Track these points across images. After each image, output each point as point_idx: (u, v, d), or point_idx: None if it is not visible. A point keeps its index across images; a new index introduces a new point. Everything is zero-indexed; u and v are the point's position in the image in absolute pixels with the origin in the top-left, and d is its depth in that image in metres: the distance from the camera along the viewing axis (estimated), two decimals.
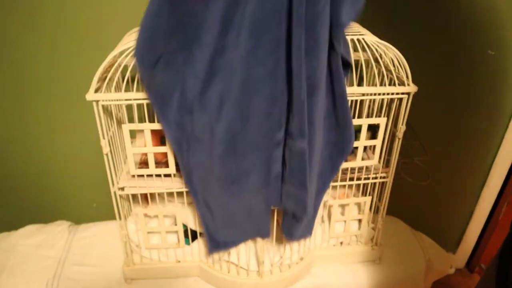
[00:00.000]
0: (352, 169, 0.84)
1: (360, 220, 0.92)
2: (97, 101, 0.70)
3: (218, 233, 0.80)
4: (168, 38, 0.62)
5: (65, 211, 1.17)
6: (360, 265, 0.95)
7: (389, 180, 0.85)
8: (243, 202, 0.74)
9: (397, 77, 0.77)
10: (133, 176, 0.79)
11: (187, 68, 0.63)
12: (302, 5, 0.56)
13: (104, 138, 0.74)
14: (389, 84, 0.78)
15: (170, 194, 0.83)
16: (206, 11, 0.59)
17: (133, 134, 0.93)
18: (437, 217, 1.30)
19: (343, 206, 0.91)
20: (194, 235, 0.91)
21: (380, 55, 0.76)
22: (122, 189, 0.81)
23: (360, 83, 0.76)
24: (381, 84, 0.75)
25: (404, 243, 1.04)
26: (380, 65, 0.78)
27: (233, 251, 0.88)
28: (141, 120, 0.77)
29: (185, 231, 0.88)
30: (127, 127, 0.72)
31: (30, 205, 1.17)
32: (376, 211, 0.92)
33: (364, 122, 0.77)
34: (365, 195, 0.92)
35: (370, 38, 0.76)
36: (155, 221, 0.91)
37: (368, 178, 0.85)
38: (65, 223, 1.11)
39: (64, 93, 1.00)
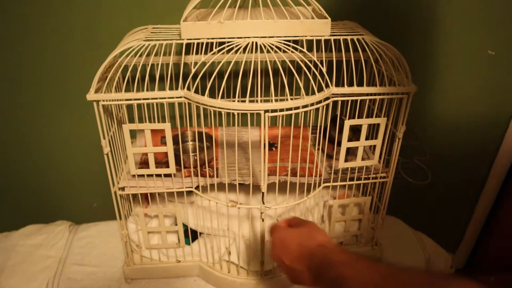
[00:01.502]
0: (352, 169, 0.84)
1: (360, 220, 0.92)
2: (97, 101, 0.70)
3: None
4: None
5: (65, 211, 1.17)
6: None
7: (389, 180, 0.85)
8: None
9: (397, 77, 0.77)
10: (134, 176, 0.79)
11: None
12: None
13: (104, 138, 0.74)
14: (389, 84, 0.78)
15: (171, 194, 0.83)
16: None
17: (133, 134, 0.93)
18: (437, 217, 1.30)
19: (343, 206, 0.91)
20: (195, 235, 0.91)
21: (380, 55, 0.76)
22: (123, 189, 0.81)
23: (360, 83, 0.76)
24: (381, 84, 0.75)
25: (404, 243, 1.04)
26: (380, 65, 0.78)
27: (234, 251, 0.88)
28: (142, 120, 0.77)
29: (185, 231, 0.88)
30: (127, 127, 0.72)
31: (30, 205, 1.17)
32: (376, 211, 0.92)
33: (364, 122, 0.77)
34: (365, 195, 0.92)
35: (370, 38, 0.76)
36: (155, 221, 0.91)
37: (368, 178, 0.85)
38: (65, 223, 1.11)
39: (64, 93, 1.00)
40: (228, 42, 0.71)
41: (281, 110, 0.67)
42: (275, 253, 0.63)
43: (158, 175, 0.78)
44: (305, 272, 0.56)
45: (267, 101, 0.67)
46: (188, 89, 0.69)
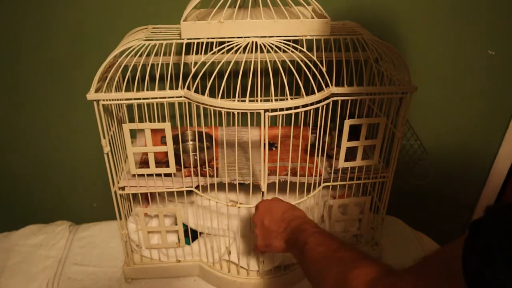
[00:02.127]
0: (352, 169, 0.84)
1: (360, 220, 0.92)
2: (97, 101, 0.70)
3: None
4: None
5: (65, 211, 1.17)
6: None
7: (389, 180, 0.85)
8: None
9: (397, 76, 0.77)
10: (133, 175, 0.80)
11: None
12: None
13: (104, 137, 0.74)
14: (389, 84, 0.78)
15: (171, 194, 0.83)
16: None
17: (133, 134, 0.93)
18: (437, 217, 1.30)
19: (343, 206, 0.91)
20: (194, 235, 0.91)
21: (380, 55, 0.76)
22: (123, 188, 0.81)
23: (360, 83, 0.76)
24: (380, 84, 0.75)
25: (404, 243, 1.04)
26: (379, 65, 0.79)
27: (234, 250, 0.88)
28: (142, 120, 0.77)
29: (185, 231, 0.88)
30: (127, 126, 0.72)
31: (30, 205, 1.17)
32: (376, 211, 0.92)
33: (364, 122, 0.77)
34: (365, 195, 0.92)
35: (370, 37, 0.76)
36: (155, 221, 0.91)
37: (368, 178, 0.85)
38: (65, 223, 1.11)
39: (65, 92, 1.00)
40: (228, 41, 0.71)
41: (281, 109, 0.67)
42: (257, 215, 0.73)
43: (158, 175, 0.78)
44: (279, 234, 0.68)
45: (267, 101, 0.67)
46: (188, 88, 0.70)
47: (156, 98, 0.70)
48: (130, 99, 0.70)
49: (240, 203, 0.80)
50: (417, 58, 1.01)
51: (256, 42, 0.71)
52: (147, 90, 0.70)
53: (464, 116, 1.12)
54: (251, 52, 0.69)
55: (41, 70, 0.97)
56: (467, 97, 1.09)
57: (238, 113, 0.68)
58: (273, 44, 0.71)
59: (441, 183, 1.20)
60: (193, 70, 0.68)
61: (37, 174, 1.11)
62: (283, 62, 0.72)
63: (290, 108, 0.67)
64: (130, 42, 0.72)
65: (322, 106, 0.71)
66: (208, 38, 0.72)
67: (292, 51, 0.70)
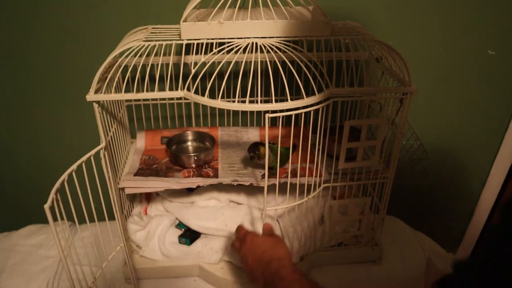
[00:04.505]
0: (352, 169, 0.84)
1: (360, 220, 0.92)
2: (97, 102, 0.70)
3: None
4: None
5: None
6: (360, 265, 0.95)
7: (389, 181, 0.85)
8: None
9: (397, 77, 0.77)
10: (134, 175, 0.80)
11: None
12: None
13: (104, 138, 0.74)
14: (390, 85, 0.77)
15: (171, 194, 0.83)
16: None
17: (133, 134, 0.93)
18: (437, 217, 1.30)
19: (343, 207, 0.91)
20: (195, 235, 0.91)
21: (380, 56, 0.75)
22: (122, 189, 0.81)
23: (360, 84, 0.76)
24: (381, 85, 0.75)
25: (404, 243, 1.04)
26: (380, 65, 0.78)
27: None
28: (142, 120, 0.77)
29: (186, 231, 0.88)
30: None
31: (30, 205, 1.17)
32: (376, 211, 0.92)
33: (364, 123, 0.77)
34: (365, 195, 0.92)
35: (370, 38, 0.76)
36: (155, 221, 0.91)
37: (368, 178, 0.85)
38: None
39: (64, 93, 1.00)
40: (228, 42, 0.71)
41: (282, 111, 0.67)
42: (243, 250, 0.72)
43: (158, 175, 0.78)
44: (258, 275, 0.67)
45: (267, 101, 0.67)
46: (188, 89, 0.69)
47: (156, 99, 0.70)
48: (130, 100, 0.70)
49: (240, 204, 0.80)
50: (417, 58, 1.01)
51: (256, 43, 0.70)
52: (147, 91, 0.70)
53: (464, 116, 1.12)
54: (251, 52, 0.69)
55: (41, 70, 0.97)
56: (467, 97, 1.09)
57: (238, 113, 0.68)
58: (273, 45, 0.71)
59: (441, 183, 1.21)
60: (193, 71, 0.68)
61: (37, 174, 1.11)
62: (283, 63, 0.71)
63: (290, 110, 0.67)
64: (130, 43, 0.72)
65: (323, 107, 0.71)
66: (208, 39, 0.72)
67: (292, 52, 0.70)
